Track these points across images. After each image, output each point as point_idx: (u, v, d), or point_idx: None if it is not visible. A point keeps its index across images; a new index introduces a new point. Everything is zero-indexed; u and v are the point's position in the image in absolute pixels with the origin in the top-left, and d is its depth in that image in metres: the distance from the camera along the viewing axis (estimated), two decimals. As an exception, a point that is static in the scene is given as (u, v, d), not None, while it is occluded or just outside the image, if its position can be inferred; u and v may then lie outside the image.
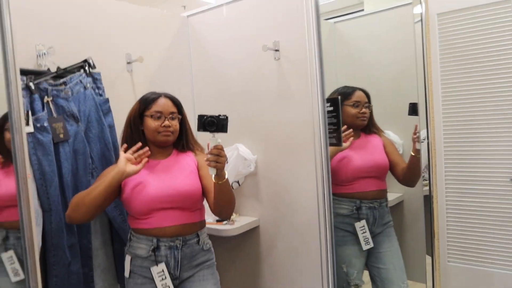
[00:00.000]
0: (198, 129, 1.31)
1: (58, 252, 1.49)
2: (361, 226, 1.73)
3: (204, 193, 1.48)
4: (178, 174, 1.47)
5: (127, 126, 1.53)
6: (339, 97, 1.43)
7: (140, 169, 1.38)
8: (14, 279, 1.29)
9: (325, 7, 2.02)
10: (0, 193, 1.28)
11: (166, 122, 1.46)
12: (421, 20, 1.59)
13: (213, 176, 1.32)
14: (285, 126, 1.86)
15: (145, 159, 1.40)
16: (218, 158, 1.28)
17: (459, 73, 1.79)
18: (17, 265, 1.29)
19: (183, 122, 1.56)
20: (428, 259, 1.99)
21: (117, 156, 1.73)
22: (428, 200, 1.88)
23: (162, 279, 1.38)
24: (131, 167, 1.37)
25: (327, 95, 1.63)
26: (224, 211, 1.45)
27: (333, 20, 2.30)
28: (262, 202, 2.19)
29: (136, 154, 1.40)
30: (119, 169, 1.35)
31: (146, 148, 1.40)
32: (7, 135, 1.19)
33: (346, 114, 1.72)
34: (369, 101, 1.76)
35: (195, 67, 2.27)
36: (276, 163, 2.12)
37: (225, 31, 2.13)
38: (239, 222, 2.11)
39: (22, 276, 1.26)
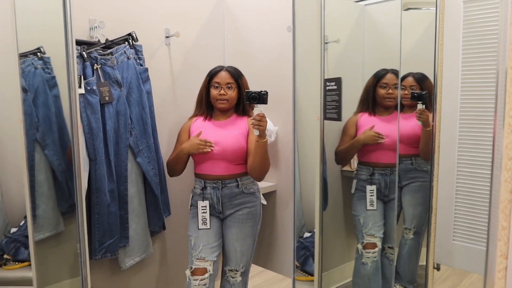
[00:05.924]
0: (245, 102, 1.67)
1: (100, 194, 1.79)
2: (370, 190, 1.93)
3: (246, 154, 1.79)
4: (228, 134, 1.78)
5: (200, 93, 1.87)
6: (341, 77, 1.58)
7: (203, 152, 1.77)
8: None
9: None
10: None
11: (222, 91, 1.76)
12: (436, 7, 1.66)
13: (256, 136, 1.64)
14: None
15: (208, 149, 1.75)
16: (260, 122, 1.60)
17: (480, 64, 1.82)
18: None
19: (241, 91, 1.82)
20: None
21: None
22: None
23: (203, 212, 1.79)
24: (196, 151, 1.76)
25: (361, 76, 1.76)
26: (257, 170, 1.73)
27: (363, 3, 2.35)
28: (281, 169, 2.40)
29: (203, 142, 1.75)
30: (189, 150, 1.77)
31: (211, 142, 1.75)
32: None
33: (377, 94, 1.89)
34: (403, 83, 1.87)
35: (227, 44, 2.46)
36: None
37: (255, 13, 2.29)
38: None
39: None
